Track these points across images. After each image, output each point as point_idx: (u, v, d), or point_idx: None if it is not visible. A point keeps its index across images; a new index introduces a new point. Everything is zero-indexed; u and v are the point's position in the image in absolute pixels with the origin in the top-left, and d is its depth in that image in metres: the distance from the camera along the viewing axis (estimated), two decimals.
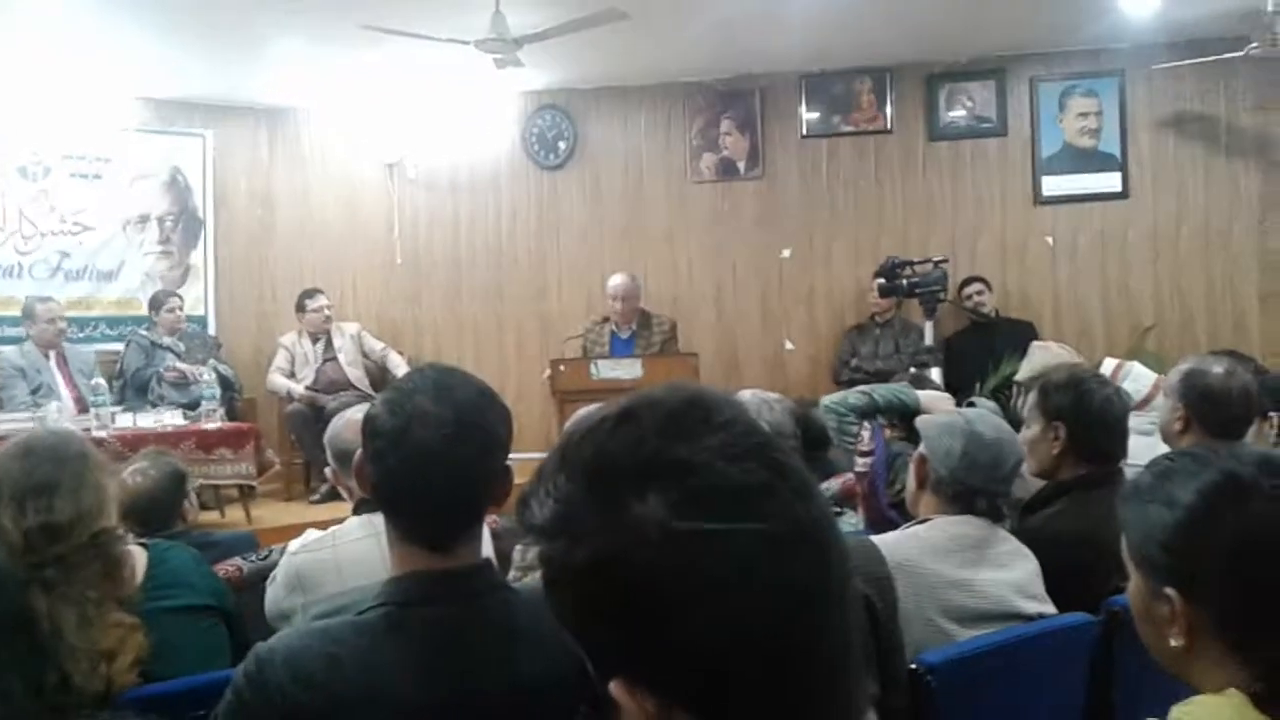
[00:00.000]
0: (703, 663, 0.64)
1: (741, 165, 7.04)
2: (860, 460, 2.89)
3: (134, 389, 6.00)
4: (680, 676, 0.65)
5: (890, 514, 2.74)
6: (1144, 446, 2.54)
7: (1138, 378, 3.46)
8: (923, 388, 3.17)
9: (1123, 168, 6.68)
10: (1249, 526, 1.12)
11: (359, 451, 1.50)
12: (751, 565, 0.64)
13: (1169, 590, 1.15)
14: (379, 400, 1.50)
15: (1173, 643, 1.15)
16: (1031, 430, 2.54)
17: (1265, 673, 1.09)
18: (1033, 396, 2.60)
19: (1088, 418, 2.47)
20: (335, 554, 2.22)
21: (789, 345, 6.98)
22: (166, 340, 6.14)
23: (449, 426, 1.41)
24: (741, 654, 0.64)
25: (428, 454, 1.41)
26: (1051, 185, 6.76)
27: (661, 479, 0.66)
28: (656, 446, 0.67)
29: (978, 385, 5.71)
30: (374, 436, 1.45)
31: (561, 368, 5.93)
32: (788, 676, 0.65)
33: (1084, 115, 6.72)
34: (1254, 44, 5.45)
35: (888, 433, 3.09)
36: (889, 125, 6.91)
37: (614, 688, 0.67)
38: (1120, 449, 2.49)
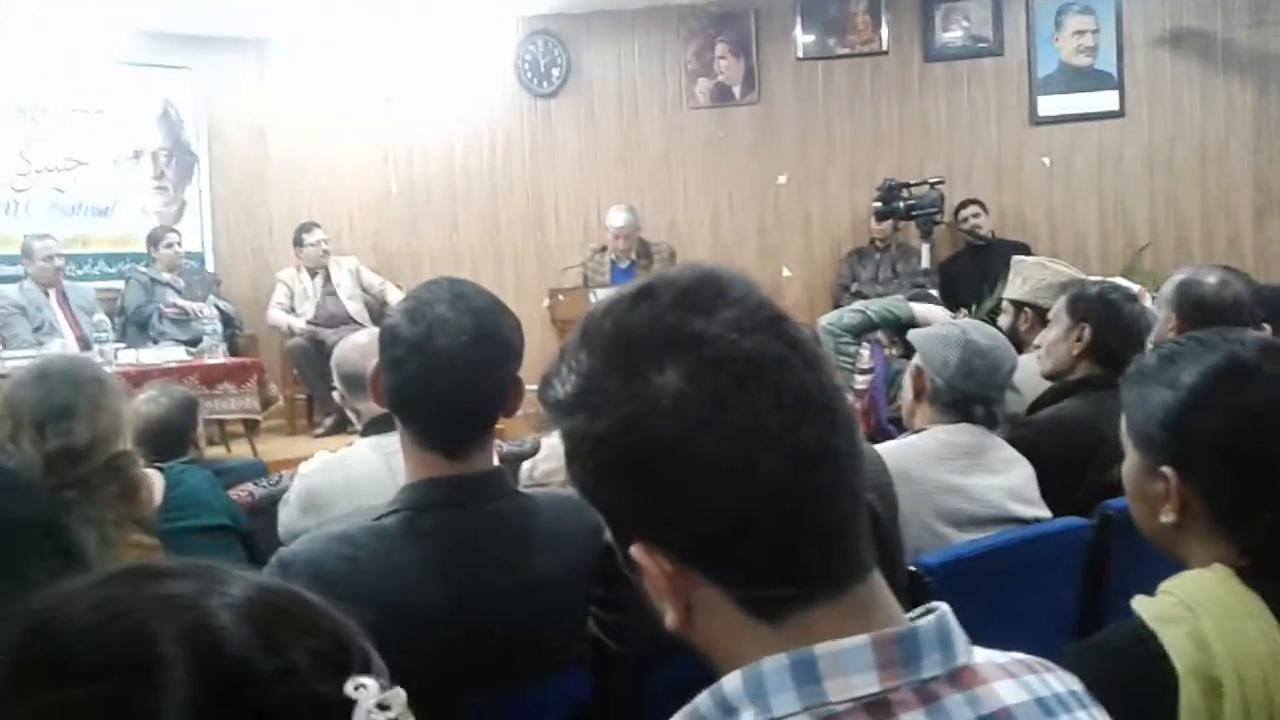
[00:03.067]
0: (717, 523, 0.69)
1: (737, 90, 6.99)
2: (860, 378, 2.94)
3: (135, 326, 6.02)
4: (696, 536, 0.70)
5: (889, 428, 2.80)
6: None
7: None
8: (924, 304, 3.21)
9: (1119, 86, 6.64)
10: (1247, 408, 1.16)
11: (374, 364, 1.54)
12: (763, 430, 0.68)
13: (1165, 468, 1.19)
14: (397, 310, 1.52)
15: (1164, 519, 1.20)
16: (1054, 332, 2.63)
17: (1250, 549, 1.14)
18: (1062, 300, 2.66)
19: (1117, 324, 2.54)
20: (346, 475, 2.26)
21: (786, 272, 6.99)
22: (166, 277, 6.13)
23: (468, 333, 1.45)
24: (753, 514, 0.68)
25: (448, 360, 1.44)
26: (1048, 105, 6.72)
27: (678, 351, 0.69)
28: (674, 320, 0.70)
29: (973, 307, 5.74)
30: (393, 344, 1.48)
31: (560, 297, 5.96)
32: (797, 534, 0.69)
33: (1080, 33, 6.66)
34: None
35: (890, 351, 3.14)
36: (885, 46, 6.85)
37: (635, 550, 0.71)
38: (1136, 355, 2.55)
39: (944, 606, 0.73)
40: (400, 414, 1.51)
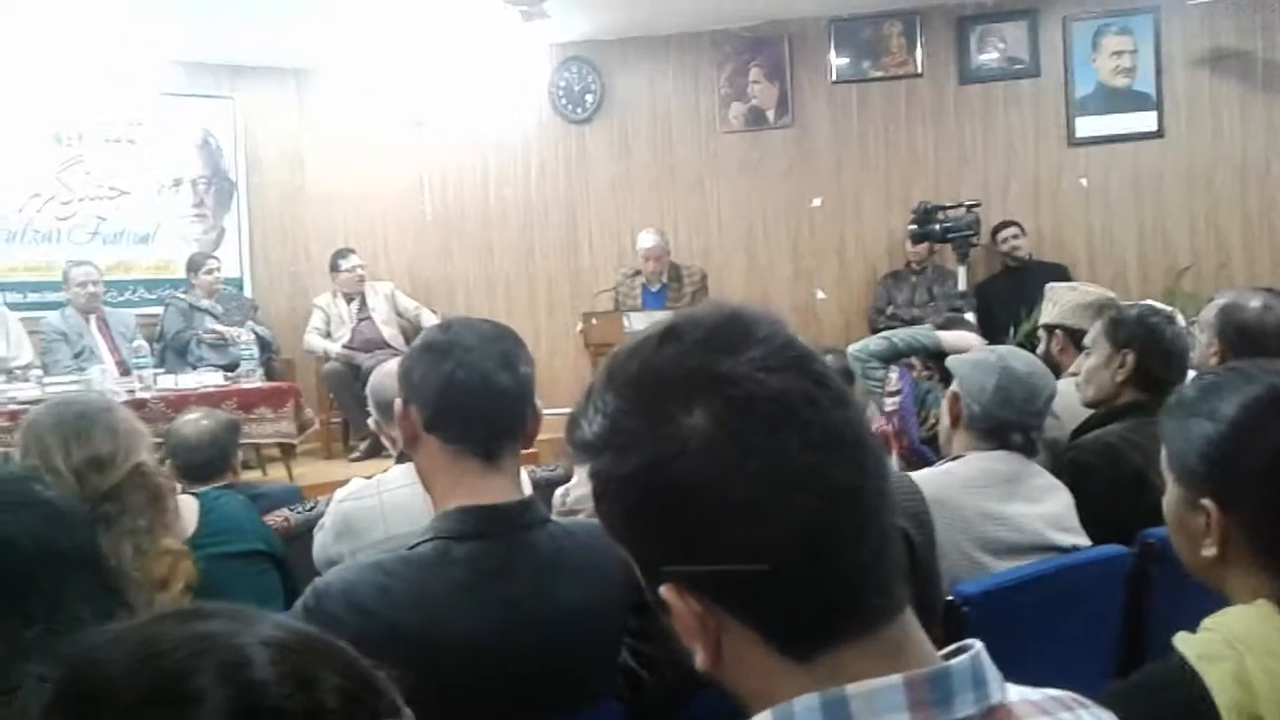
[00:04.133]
0: (746, 562, 0.68)
1: (771, 114, 6.99)
2: (889, 400, 2.92)
3: (173, 351, 6.09)
4: (724, 577, 0.69)
5: (922, 449, 2.78)
6: None
7: None
8: (955, 330, 3.19)
9: (1158, 107, 6.57)
10: None
11: (398, 400, 1.56)
12: (791, 470, 0.67)
13: (1206, 501, 1.17)
14: (420, 339, 1.60)
15: (1205, 553, 1.17)
16: (1095, 358, 2.60)
17: None
18: (1099, 325, 2.63)
19: (1160, 348, 2.51)
20: (380, 501, 2.27)
21: (820, 294, 6.97)
22: (204, 303, 6.21)
23: (491, 333, 1.55)
24: (782, 555, 0.67)
25: (480, 351, 1.51)
26: (1086, 126, 6.66)
27: (705, 391, 0.68)
28: (700, 361, 0.70)
29: (1010, 330, 5.68)
30: (426, 352, 1.54)
31: (594, 321, 5.98)
32: (827, 573, 0.68)
33: (1118, 54, 6.61)
34: None
35: (918, 373, 3.12)
36: (919, 69, 6.83)
37: (664, 591, 0.71)
38: (1180, 381, 2.50)
39: (978, 644, 0.72)
40: (441, 419, 1.52)
